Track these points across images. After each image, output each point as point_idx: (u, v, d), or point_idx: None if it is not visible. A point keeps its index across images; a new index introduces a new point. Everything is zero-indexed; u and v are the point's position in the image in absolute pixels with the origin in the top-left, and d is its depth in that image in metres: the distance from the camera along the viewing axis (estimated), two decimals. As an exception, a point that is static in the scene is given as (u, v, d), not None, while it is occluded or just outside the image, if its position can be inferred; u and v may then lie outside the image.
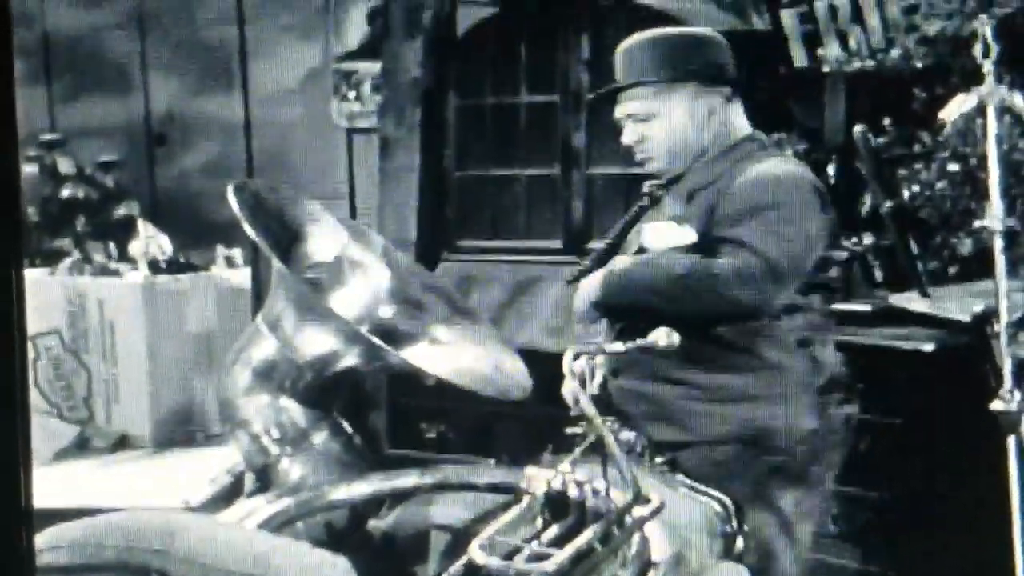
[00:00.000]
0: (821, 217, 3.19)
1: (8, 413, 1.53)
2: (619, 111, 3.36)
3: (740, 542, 2.89)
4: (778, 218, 3.14)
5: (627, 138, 3.36)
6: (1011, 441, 3.06)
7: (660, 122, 3.29)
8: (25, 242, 5.61)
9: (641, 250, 3.27)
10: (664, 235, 3.26)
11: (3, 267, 1.52)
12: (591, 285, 3.20)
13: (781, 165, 3.28)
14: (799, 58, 4.62)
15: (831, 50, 4.52)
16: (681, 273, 3.10)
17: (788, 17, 4.65)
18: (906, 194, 4.03)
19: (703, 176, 3.27)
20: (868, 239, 4.19)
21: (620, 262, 3.24)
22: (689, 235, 3.20)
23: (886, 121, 4.13)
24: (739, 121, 3.35)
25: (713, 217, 3.18)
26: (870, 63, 4.39)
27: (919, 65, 4.25)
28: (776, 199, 3.15)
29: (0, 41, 1.54)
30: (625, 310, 3.18)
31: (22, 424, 1.54)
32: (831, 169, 4.26)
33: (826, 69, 4.37)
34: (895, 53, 4.35)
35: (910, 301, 3.95)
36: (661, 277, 3.12)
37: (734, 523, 2.91)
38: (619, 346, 2.99)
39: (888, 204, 4.04)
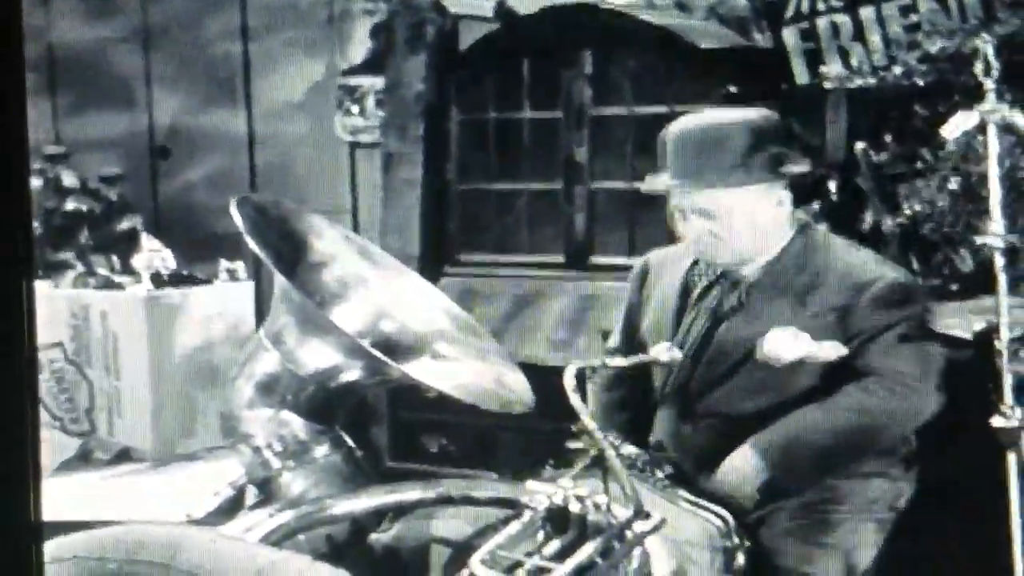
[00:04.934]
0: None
1: (18, 429, 1.53)
2: (678, 203, 3.13)
3: (741, 557, 2.89)
4: (909, 330, 3.14)
5: (690, 233, 3.13)
6: (1011, 458, 3.06)
7: (728, 219, 3.08)
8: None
9: (741, 360, 3.11)
10: (793, 346, 3.03)
11: (10, 282, 1.53)
12: (747, 467, 3.04)
13: (865, 258, 3.21)
14: (801, 75, 4.63)
15: (833, 67, 4.53)
16: (861, 424, 3.05)
17: (790, 34, 4.66)
18: (907, 211, 4.04)
19: (798, 276, 3.12)
20: (869, 256, 4.20)
21: (769, 437, 3.04)
22: (838, 349, 3.04)
23: (887, 138, 4.13)
24: (789, 202, 3.19)
25: (843, 328, 3.07)
26: (871, 80, 4.40)
27: (920, 82, 4.26)
28: (902, 313, 3.12)
29: (11, 53, 1.56)
30: (799, 477, 3.08)
31: (32, 439, 1.54)
32: (832, 185, 4.27)
33: (828, 86, 4.38)
34: (897, 70, 4.36)
35: (911, 318, 3.95)
36: (836, 436, 3.04)
37: (735, 538, 2.91)
38: (621, 360, 3.01)
39: (889, 221, 4.05)
